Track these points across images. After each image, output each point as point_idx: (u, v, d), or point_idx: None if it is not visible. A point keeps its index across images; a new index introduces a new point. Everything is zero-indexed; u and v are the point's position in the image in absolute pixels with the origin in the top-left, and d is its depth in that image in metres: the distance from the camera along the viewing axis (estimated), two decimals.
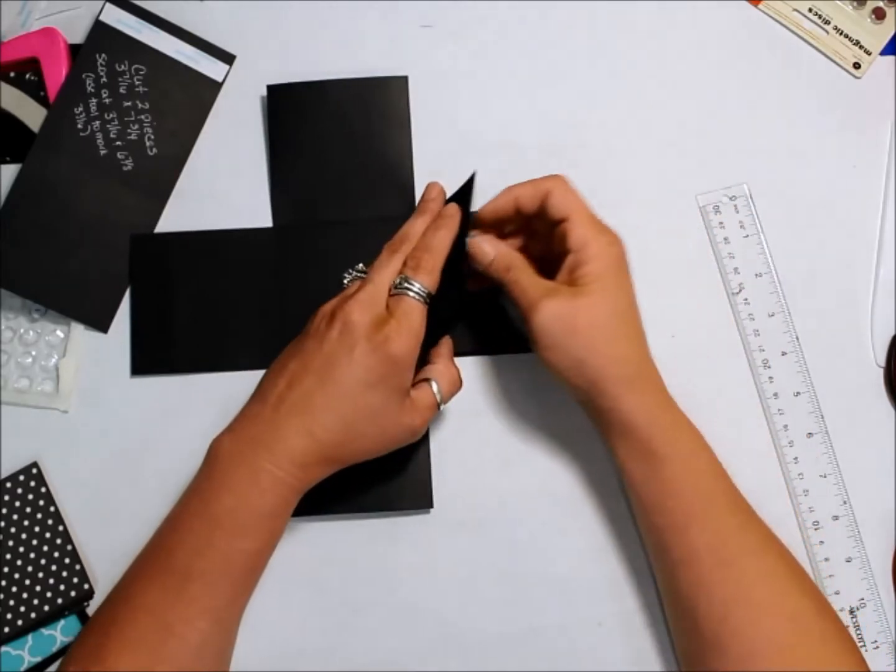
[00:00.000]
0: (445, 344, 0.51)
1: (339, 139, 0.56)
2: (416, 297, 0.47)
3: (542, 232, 0.51)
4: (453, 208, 0.50)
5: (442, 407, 0.49)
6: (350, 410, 0.45)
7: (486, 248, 0.50)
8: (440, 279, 0.48)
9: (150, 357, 0.55)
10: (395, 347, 0.45)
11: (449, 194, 0.53)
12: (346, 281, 0.52)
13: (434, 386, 0.48)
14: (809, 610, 0.45)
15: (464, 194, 0.51)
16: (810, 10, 0.58)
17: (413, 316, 0.46)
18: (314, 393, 0.45)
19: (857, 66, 0.57)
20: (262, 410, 0.46)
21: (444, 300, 0.48)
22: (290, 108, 0.56)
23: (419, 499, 0.52)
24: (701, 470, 0.47)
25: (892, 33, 0.58)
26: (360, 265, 0.52)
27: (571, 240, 0.47)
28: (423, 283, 0.47)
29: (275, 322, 0.55)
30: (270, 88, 0.56)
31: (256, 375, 0.52)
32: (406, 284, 0.47)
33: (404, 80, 0.56)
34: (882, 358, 0.55)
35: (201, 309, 0.55)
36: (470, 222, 0.50)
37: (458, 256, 0.49)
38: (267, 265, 0.55)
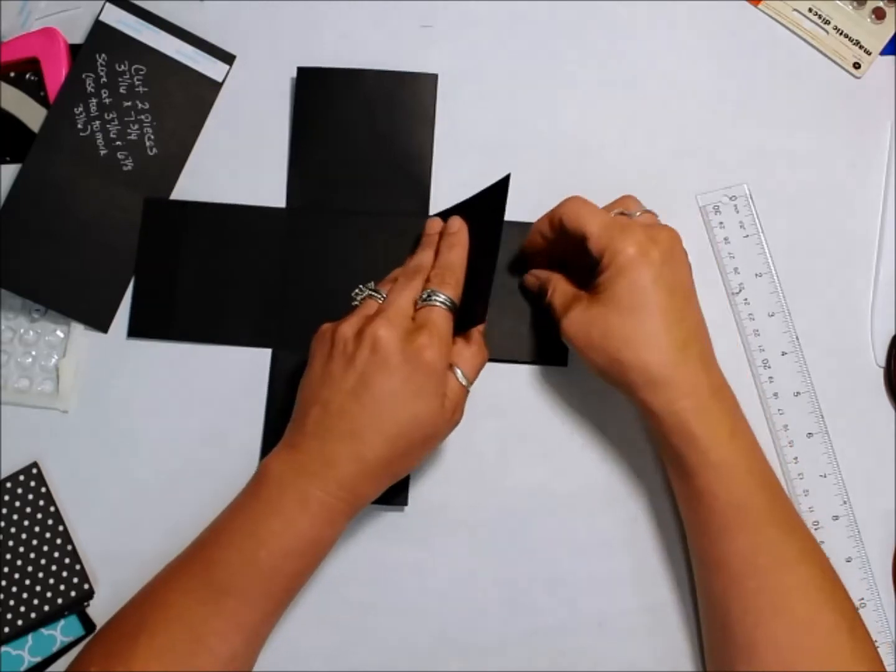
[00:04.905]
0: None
1: (363, 129, 0.56)
2: (443, 305, 0.47)
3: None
4: (457, 224, 0.51)
5: (470, 387, 0.49)
6: (394, 426, 0.45)
7: (530, 279, 0.54)
8: (465, 290, 0.49)
9: (148, 321, 0.55)
10: (428, 355, 0.45)
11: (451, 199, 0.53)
12: (358, 298, 0.50)
13: (458, 372, 0.48)
14: (843, 626, 0.45)
15: (495, 198, 0.50)
16: (810, 10, 0.58)
17: (441, 323, 0.47)
18: (356, 415, 0.45)
19: (857, 66, 0.57)
20: (305, 442, 0.46)
21: (468, 309, 0.49)
22: (317, 92, 0.56)
23: (395, 495, 0.52)
24: (737, 480, 0.46)
25: (892, 33, 0.58)
26: (372, 283, 0.50)
27: (592, 254, 0.48)
28: (448, 294, 0.48)
29: (276, 301, 0.55)
30: (301, 70, 0.57)
31: (254, 353, 0.53)
32: (433, 297, 0.47)
33: (434, 77, 0.56)
34: (882, 358, 0.55)
35: (205, 279, 0.55)
36: (502, 227, 0.49)
37: (488, 264, 0.49)
38: (275, 245, 0.56)
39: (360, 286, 0.50)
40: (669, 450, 0.48)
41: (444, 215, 0.53)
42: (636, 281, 0.46)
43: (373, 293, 0.49)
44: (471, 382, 0.48)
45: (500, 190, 0.50)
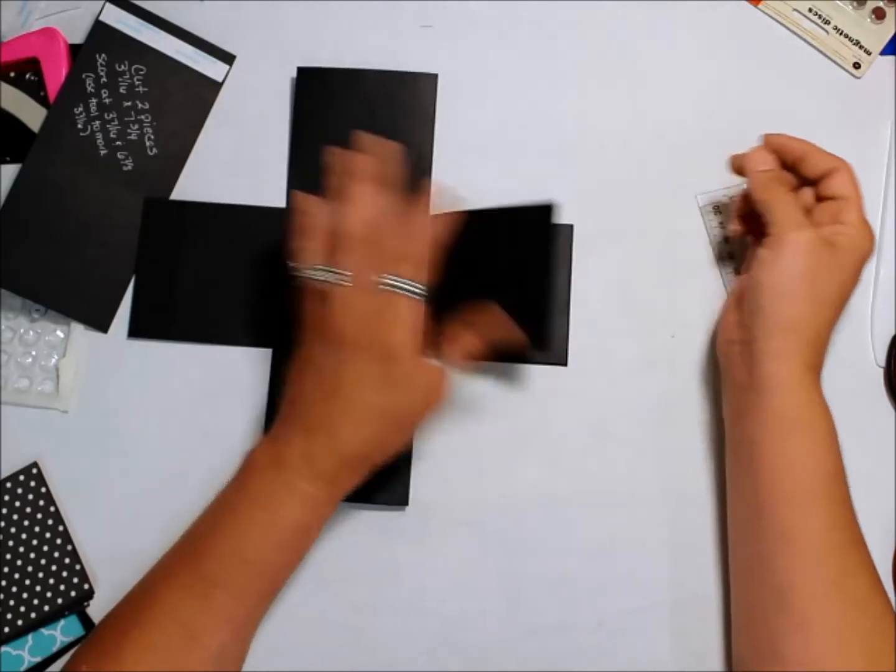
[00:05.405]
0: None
1: (363, 129, 0.56)
2: (413, 295, 0.46)
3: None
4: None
5: (447, 368, 0.48)
6: (368, 421, 0.46)
7: (768, 158, 0.52)
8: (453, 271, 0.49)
9: (148, 321, 0.56)
10: (391, 339, 0.45)
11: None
12: (317, 277, 0.47)
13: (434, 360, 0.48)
14: (890, 610, 0.46)
15: (539, 226, 0.50)
16: (810, 10, 0.58)
17: (402, 311, 0.46)
18: (329, 413, 0.46)
19: (857, 66, 0.57)
20: (287, 434, 0.47)
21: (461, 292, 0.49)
22: (317, 92, 0.57)
23: (396, 495, 0.52)
24: (833, 451, 0.47)
25: (892, 33, 0.58)
26: (319, 260, 0.48)
27: (846, 221, 0.49)
28: (419, 285, 0.47)
29: (275, 301, 0.55)
30: (301, 70, 0.57)
31: (254, 353, 0.54)
32: (401, 284, 0.46)
33: (434, 77, 0.57)
34: (882, 358, 0.55)
35: (205, 279, 0.56)
36: (555, 256, 0.51)
37: (538, 294, 0.50)
38: (275, 244, 0.55)
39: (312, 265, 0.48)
40: (774, 407, 0.47)
41: (476, 215, 0.52)
42: (858, 271, 0.49)
43: (324, 271, 0.47)
44: (450, 366, 0.48)
45: (542, 217, 0.50)
